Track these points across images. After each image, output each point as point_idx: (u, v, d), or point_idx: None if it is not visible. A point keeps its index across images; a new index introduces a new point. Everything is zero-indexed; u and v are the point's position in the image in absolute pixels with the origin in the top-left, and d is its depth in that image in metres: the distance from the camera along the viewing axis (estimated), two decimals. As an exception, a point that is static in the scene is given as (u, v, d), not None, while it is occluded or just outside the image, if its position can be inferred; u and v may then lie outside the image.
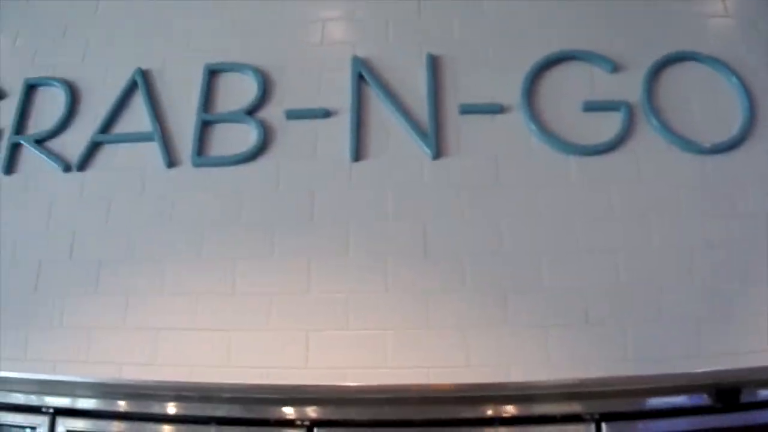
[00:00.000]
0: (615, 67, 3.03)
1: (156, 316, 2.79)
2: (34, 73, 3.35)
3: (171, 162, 3.06)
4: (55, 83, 3.30)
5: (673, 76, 3.03)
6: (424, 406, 2.73)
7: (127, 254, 2.92)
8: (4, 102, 3.33)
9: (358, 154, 2.97)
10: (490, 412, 2.71)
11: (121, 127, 3.19)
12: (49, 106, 3.28)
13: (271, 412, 2.78)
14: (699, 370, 2.55)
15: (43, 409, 2.89)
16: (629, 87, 3.00)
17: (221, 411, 2.79)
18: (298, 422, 2.74)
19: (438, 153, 2.94)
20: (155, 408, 2.84)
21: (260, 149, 3.02)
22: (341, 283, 2.76)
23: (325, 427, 2.74)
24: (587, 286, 2.68)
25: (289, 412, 2.77)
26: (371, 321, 2.69)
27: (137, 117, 3.18)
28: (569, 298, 2.67)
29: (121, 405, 2.87)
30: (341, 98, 3.07)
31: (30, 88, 3.32)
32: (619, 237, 2.76)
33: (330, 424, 2.74)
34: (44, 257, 2.97)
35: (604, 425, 2.62)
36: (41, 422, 2.87)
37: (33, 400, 2.93)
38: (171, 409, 2.84)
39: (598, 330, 2.61)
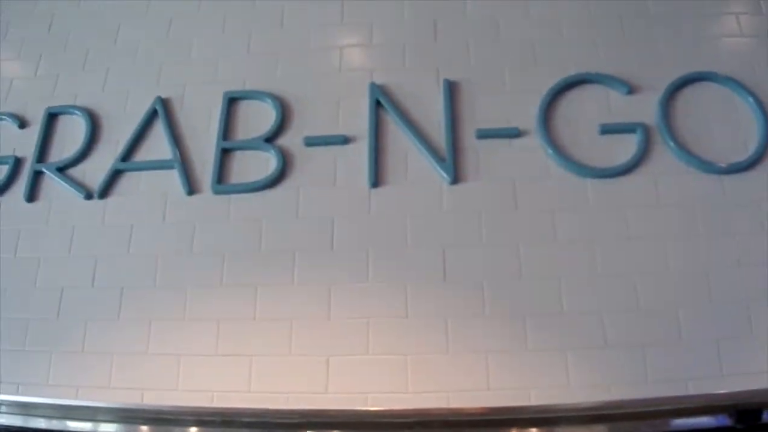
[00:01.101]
0: (630, 89, 3.04)
1: (178, 342, 2.80)
2: (55, 102, 3.40)
3: (191, 189, 3.09)
4: (77, 112, 3.34)
5: (688, 96, 3.02)
6: (443, 430, 2.72)
7: (149, 281, 2.94)
8: (26, 130, 3.37)
9: (376, 180, 2.98)
10: (510, 436, 2.71)
11: (142, 155, 3.22)
12: (71, 134, 3.32)
13: (291, 438, 2.78)
14: (719, 391, 2.53)
15: (63, 435, 2.90)
16: (645, 109, 3.00)
17: (242, 436, 2.80)
18: (318, 446, 2.74)
19: (456, 178, 2.95)
20: (176, 433, 2.86)
21: (280, 176, 3.05)
22: (361, 308, 2.77)
23: (345, 452, 2.74)
24: (606, 309, 2.67)
25: (309, 437, 2.78)
26: (391, 346, 2.69)
27: (157, 145, 3.21)
28: (588, 321, 2.66)
29: (143, 430, 2.87)
30: (359, 125, 3.10)
31: (51, 117, 3.36)
32: (637, 259, 2.75)
33: (350, 449, 2.74)
34: (66, 284, 2.99)
35: (625, 447, 2.61)
36: (62, 447, 2.89)
37: (54, 424, 2.92)
38: (190, 433, 2.85)
39: (617, 352, 2.60)
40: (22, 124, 3.39)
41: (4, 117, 3.41)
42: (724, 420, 2.63)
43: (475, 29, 3.27)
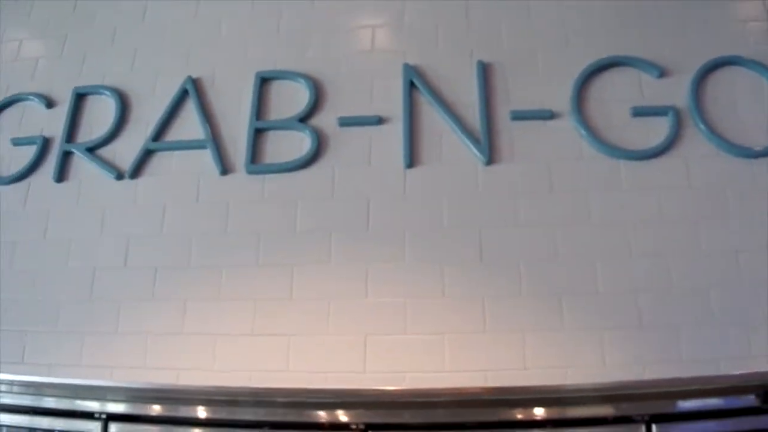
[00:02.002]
0: (662, 73, 3.05)
1: (213, 323, 2.81)
2: (82, 81, 3.38)
3: (225, 169, 3.08)
4: (105, 91, 3.33)
5: (719, 80, 3.04)
6: (476, 409, 2.73)
7: (183, 261, 2.94)
8: (53, 110, 3.35)
9: (411, 160, 2.99)
10: (542, 414, 2.71)
11: (173, 134, 3.21)
12: (100, 114, 3.31)
13: (325, 416, 2.79)
14: (747, 371, 2.56)
15: (96, 415, 2.89)
16: (676, 92, 3.02)
17: (276, 415, 2.80)
18: (353, 426, 2.75)
19: (491, 159, 2.96)
20: (210, 413, 2.84)
21: (314, 156, 3.05)
22: (398, 287, 2.79)
23: (379, 430, 2.74)
24: (640, 290, 2.70)
25: (343, 415, 2.78)
26: (429, 325, 2.71)
27: (189, 125, 3.20)
28: (623, 301, 2.69)
29: (160, 409, 2.88)
30: (393, 105, 3.10)
31: (79, 97, 3.35)
32: (670, 241, 2.78)
33: (384, 428, 2.74)
34: (98, 265, 3.00)
35: (654, 426, 2.63)
36: (94, 428, 2.88)
37: (86, 405, 2.92)
38: (223, 413, 2.84)
39: (651, 332, 2.63)
40: (49, 104, 3.37)
41: (30, 97, 3.39)
42: (747, 401, 2.66)
43: (507, 11, 3.27)
